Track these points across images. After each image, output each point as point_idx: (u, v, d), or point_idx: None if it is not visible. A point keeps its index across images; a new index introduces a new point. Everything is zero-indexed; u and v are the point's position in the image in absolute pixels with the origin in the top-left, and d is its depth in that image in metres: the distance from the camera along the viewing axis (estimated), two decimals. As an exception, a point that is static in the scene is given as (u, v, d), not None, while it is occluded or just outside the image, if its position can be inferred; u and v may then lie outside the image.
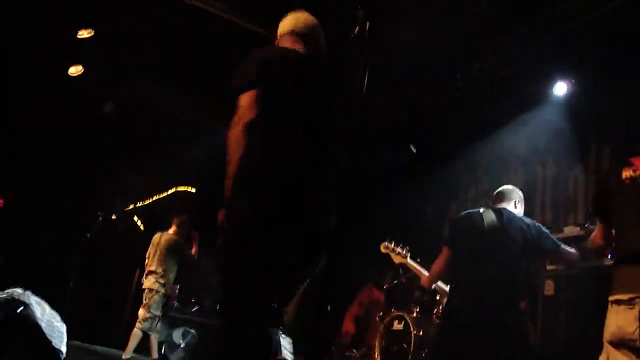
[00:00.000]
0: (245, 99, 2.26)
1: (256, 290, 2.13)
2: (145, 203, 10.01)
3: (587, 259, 3.77)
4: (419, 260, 4.44)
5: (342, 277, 1.88)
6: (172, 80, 7.69)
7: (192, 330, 7.69)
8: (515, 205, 3.84)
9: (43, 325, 3.08)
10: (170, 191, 9.91)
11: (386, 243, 4.36)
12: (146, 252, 6.88)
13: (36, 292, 3.41)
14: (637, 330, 2.29)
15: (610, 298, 2.49)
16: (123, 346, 6.64)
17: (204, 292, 8.03)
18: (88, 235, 6.93)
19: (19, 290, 3.22)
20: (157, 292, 6.57)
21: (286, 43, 2.61)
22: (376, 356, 5.28)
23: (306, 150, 2.31)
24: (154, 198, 9.98)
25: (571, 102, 5.75)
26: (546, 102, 5.98)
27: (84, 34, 6.58)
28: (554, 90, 5.80)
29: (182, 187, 9.86)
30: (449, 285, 4.15)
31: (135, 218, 9.95)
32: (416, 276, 5.12)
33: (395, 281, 6.12)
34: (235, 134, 2.20)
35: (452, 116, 6.83)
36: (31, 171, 8.40)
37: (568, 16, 5.16)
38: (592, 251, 2.89)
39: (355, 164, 1.80)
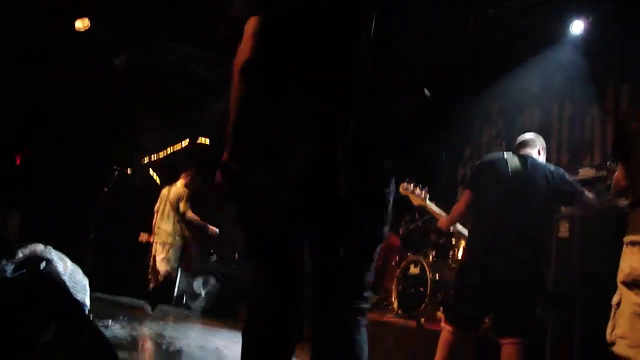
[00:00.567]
0: (245, 32, 1.86)
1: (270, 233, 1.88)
2: (161, 156, 10.07)
3: (602, 201, 3.76)
4: (437, 202, 4.43)
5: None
6: (186, 34, 7.64)
7: (212, 280, 7.84)
8: (539, 152, 3.81)
9: (66, 279, 3.14)
10: (184, 143, 9.94)
11: (405, 184, 4.33)
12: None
13: (57, 247, 3.47)
14: (651, 271, 2.30)
15: (626, 239, 2.49)
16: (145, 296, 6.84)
17: (221, 243, 8.15)
18: (105, 189, 7.01)
19: (40, 247, 3.27)
20: (172, 245, 6.70)
21: None
22: (393, 299, 5.37)
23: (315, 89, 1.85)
24: (169, 151, 10.03)
25: (588, 41, 5.62)
26: (562, 41, 5.85)
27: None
28: (570, 28, 5.67)
29: (198, 139, 9.88)
30: (467, 229, 4.16)
31: (151, 171, 10.04)
32: (433, 219, 5.14)
33: (412, 226, 6.15)
34: (233, 80, 1.88)
35: (466, 58, 6.71)
36: (46, 127, 8.45)
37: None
38: (614, 191, 2.87)
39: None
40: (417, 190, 4.32)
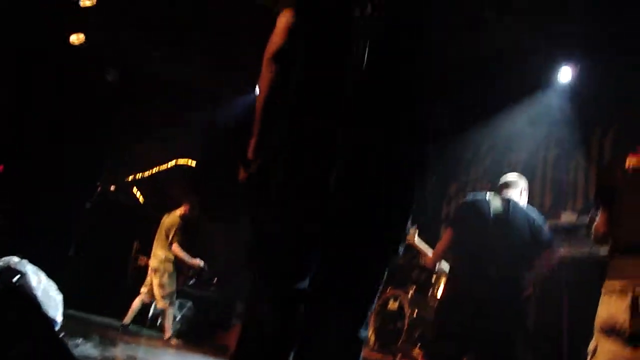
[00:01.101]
0: (278, 22, 1.86)
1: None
2: (146, 175, 10.01)
3: (585, 245, 3.79)
4: (425, 239, 4.46)
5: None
6: (177, 49, 7.69)
7: (189, 303, 7.74)
8: (521, 193, 3.86)
9: (39, 294, 3.08)
10: (171, 164, 9.90)
11: None
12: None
13: (34, 261, 3.41)
14: (628, 320, 2.30)
15: (604, 286, 2.49)
16: (120, 315, 6.74)
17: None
18: (87, 204, 6.95)
19: (15, 259, 3.22)
20: (165, 270, 6.77)
21: None
22: (370, 335, 5.32)
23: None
24: (155, 170, 9.97)
25: (575, 87, 5.72)
26: (551, 86, 5.96)
27: (86, 2, 6.57)
28: (558, 75, 5.77)
29: (183, 159, 9.85)
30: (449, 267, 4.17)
31: (135, 189, 9.96)
32: (415, 256, 5.16)
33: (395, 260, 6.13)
34: (263, 67, 1.86)
35: (457, 96, 6.79)
36: (32, 137, 8.37)
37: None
38: (594, 238, 2.88)
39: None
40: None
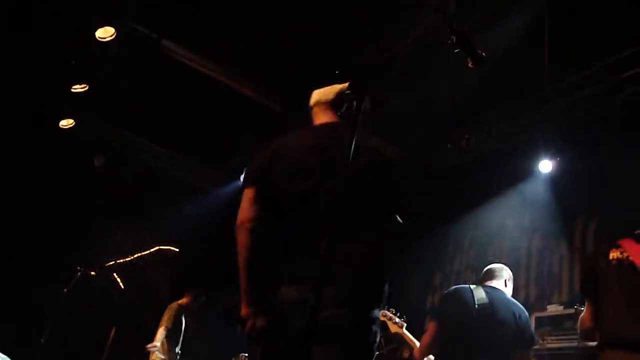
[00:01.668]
0: (244, 195, 2.29)
1: None
2: (127, 260, 9.83)
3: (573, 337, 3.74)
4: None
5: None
6: (164, 139, 7.82)
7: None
8: (505, 284, 3.83)
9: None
10: (153, 249, 9.76)
11: (385, 311, 4.34)
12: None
13: (3, 349, 3.29)
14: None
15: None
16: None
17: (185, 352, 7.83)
18: (65, 290, 6.78)
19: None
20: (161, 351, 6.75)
21: (316, 115, 2.55)
22: None
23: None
24: (136, 255, 9.81)
25: (556, 178, 5.82)
26: (532, 178, 6.05)
27: (77, 88, 6.71)
28: (539, 167, 5.88)
29: (165, 246, 9.73)
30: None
31: (115, 275, 9.75)
32: (397, 348, 5.04)
33: (378, 352, 5.98)
34: (236, 233, 2.24)
35: (439, 187, 6.88)
36: (9, 220, 8.26)
37: (555, 96, 5.32)
38: (581, 332, 2.85)
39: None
40: (396, 318, 4.35)
